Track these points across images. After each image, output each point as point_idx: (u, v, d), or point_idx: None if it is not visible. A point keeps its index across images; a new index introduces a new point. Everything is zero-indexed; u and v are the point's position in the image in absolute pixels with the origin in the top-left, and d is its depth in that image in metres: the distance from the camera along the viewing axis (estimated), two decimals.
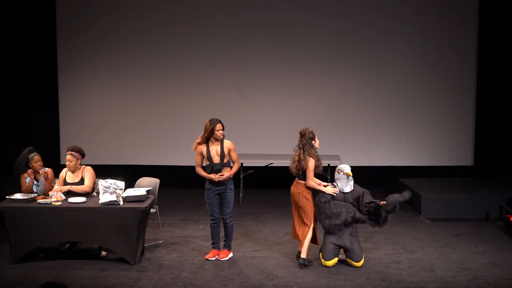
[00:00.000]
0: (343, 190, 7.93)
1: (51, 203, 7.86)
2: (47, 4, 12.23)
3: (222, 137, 7.90)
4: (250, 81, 12.31)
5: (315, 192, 7.87)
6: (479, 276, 7.53)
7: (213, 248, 8.19)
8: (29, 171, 8.25)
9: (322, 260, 7.86)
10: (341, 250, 7.93)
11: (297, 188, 7.91)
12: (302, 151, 7.91)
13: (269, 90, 12.28)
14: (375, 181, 11.85)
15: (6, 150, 12.26)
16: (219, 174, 7.90)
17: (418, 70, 12.26)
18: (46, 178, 8.28)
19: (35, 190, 8.29)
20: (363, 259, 7.84)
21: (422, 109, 12.31)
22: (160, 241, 8.84)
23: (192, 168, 8.11)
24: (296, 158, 7.91)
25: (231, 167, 7.99)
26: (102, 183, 7.88)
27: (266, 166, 11.40)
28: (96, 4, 12.27)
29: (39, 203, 7.90)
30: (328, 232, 7.91)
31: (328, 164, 11.06)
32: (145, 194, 8.02)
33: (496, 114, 12.17)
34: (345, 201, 7.87)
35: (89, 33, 12.28)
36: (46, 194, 8.18)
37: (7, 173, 10.29)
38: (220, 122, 7.90)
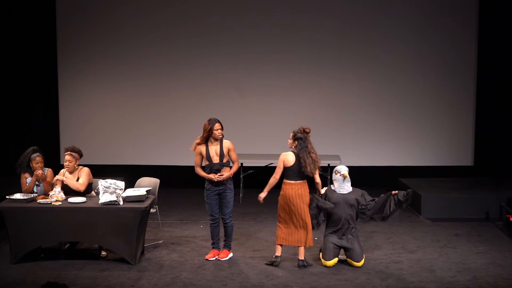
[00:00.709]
0: (339, 191, 7.90)
1: (51, 203, 7.86)
2: (47, 4, 12.24)
3: (221, 136, 7.90)
4: (250, 81, 12.31)
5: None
6: (479, 276, 7.54)
7: (213, 248, 8.19)
8: (34, 173, 8.24)
9: (322, 260, 7.86)
10: (341, 250, 7.93)
11: (305, 189, 7.82)
12: (313, 149, 7.80)
13: (269, 90, 12.28)
14: (375, 181, 11.87)
15: (6, 150, 12.26)
16: (219, 174, 7.90)
17: (418, 70, 12.26)
18: (44, 179, 8.27)
19: (35, 190, 8.29)
20: (363, 259, 7.84)
21: (422, 109, 12.31)
22: (160, 241, 8.84)
23: (192, 168, 8.11)
24: (314, 156, 7.78)
25: (230, 167, 7.99)
26: (102, 183, 7.88)
27: (266, 166, 11.39)
28: (96, 4, 12.27)
29: (39, 203, 7.90)
30: (328, 229, 7.90)
31: (328, 164, 11.06)
32: (145, 194, 8.02)
33: (496, 114, 12.18)
34: (344, 202, 7.85)
35: (89, 33, 12.28)
36: (46, 194, 8.17)
37: (7, 173, 10.30)
38: (219, 122, 7.90)
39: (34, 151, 8.32)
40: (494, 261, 8.08)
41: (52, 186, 8.24)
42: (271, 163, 11.36)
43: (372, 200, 7.85)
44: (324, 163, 11.20)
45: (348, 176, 7.93)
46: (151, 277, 7.46)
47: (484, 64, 12.14)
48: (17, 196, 8.02)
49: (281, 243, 7.88)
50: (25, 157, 8.31)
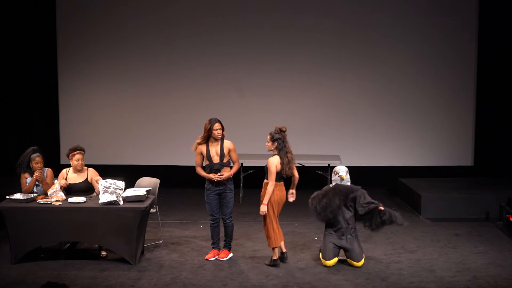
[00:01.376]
0: None
1: (51, 203, 7.86)
2: (47, 4, 12.24)
3: (220, 136, 7.89)
4: (250, 81, 12.32)
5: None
6: (479, 276, 7.53)
7: (213, 248, 8.19)
8: (34, 174, 8.25)
9: (322, 260, 7.86)
10: (341, 250, 7.93)
11: (283, 191, 7.86)
12: (289, 149, 7.81)
13: (269, 90, 12.28)
14: (375, 181, 11.88)
15: (6, 150, 12.26)
16: (219, 174, 7.90)
17: (418, 70, 12.26)
18: (42, 180, 8.27)
19: (35, 190, 8.29)
20: (363, 259, 7.84)
21: (422, 109, 12.31)
22: (160, 241, 8.84)
23: (192, 168, 8.11)
24: (290, 156, 7.77)
25: (231, 167, 7.99)
26: (102, 183, 7.88)
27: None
28: (96, 4, 12.28)
29: (39, 203, 7.90)
30: (328, 229, 7.90)
31: (328, 164, 11.06)
32: (145, 194, 8.02)
33: (496, 114, 12.18)
34: (342, 202, 7.83)
35: (89, 33, 12.29)
36: (45, 194, 8.17)
37: (7, 173, 10.30)
38: (219, 122, 7.90)
39: (34, 151, 8.32)
40: (494, 261, 8.08)
41: (53, 184, 8.25)
42: None
43: (372, 203, 7.78)
44: (324, 163, 11.26)
45: (346, 177, 7.89)
46: (151, 277, 7.46)
47: (484, 64, 12.14)
48: (17, 196, 8.03)
49: (278, 244, 7.87)
50: (25, 157, 8.31)
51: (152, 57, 12.29)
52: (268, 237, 7.82)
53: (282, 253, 8.00)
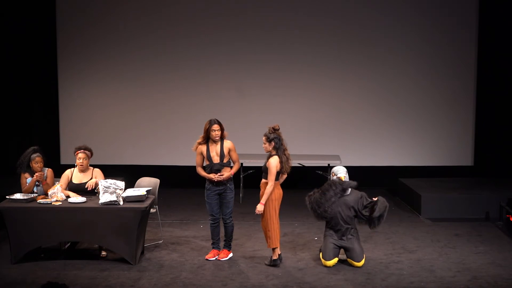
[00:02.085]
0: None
1: (51, 203, 7.86)
2: (47, 4, 12.24)
3: (217, 138, 7.86)
4: (250, 81, 12.31)
5: None
6: (479, 276, 7.53)
7: (213, 248, 8.19)
8: (35, 175, 8.24)
9: (322, 260, 7.86)
10: (341, 250, 7.93)
11: (280, 189, 7.87)
12: (286, 146, 7.82)
13: (269, 90, 12.28)
14: (375, 181, 11.88)
15: (6, 151, 12.25)
16: (219, 174, 7.90)
17: (418, 70, 12.26)
18: (42, 180, 8.27)
19: (35, 190, 8.29)
20: (363, 259, 7.84)
21: (422, 109, 12.31)
22: (160, 241, 8.84)
23: (192, 168, 8.11)
24: (287, 154, 7.78)
25: (231, 167, 7.99)
26: (102, 183, 7.88)
27: None
28: (96, 4, 12.27)
29: (39, 203, 7.90)
30: (328, 229, 7.90)
31: (328, 164, 11.05)
32: (145, 194, 8.02)
33: (496, 114, 12.18)
34: (343, 204, 7.82)
35: (89, 33, 12.29)
36: (45, 194, 8.17)
37: (7, 173, 10.30)
38: (218, 123, 7.87)
39: (34, 151, 8.32)
40: (494, 261, 8.08)
41: (53, 184, 8.25)
42: None
43: (369, 204, 7.79)
44: (324, 163, 11.26)
45: (345, 178, 7.88)
46: (151, 277, 7.46)
47: (484, 64, 12.14)
48: (17, 196, 8.02)
49: (278, 245, 7.87)
50: (25, 157, 8.31)
51: (152, 57, 12.29)
52: (268, 237, 7.81)
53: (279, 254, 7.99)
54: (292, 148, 8.05)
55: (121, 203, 7.85)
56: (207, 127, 7.86)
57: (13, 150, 11.53)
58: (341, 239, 7.85)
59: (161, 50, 12.27)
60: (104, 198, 7.82)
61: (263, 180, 7.80)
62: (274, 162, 7.69)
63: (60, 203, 7.89)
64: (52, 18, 12.26)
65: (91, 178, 8.24)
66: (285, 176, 7.87)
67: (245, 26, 12.23)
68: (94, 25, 12.28)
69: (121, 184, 7.95)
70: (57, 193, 7.98)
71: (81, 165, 8.24)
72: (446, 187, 11.05)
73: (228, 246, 8.20)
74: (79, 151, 8.26)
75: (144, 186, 8.59)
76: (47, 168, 8.40)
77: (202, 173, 7.99)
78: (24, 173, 8.32)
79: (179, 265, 7.89)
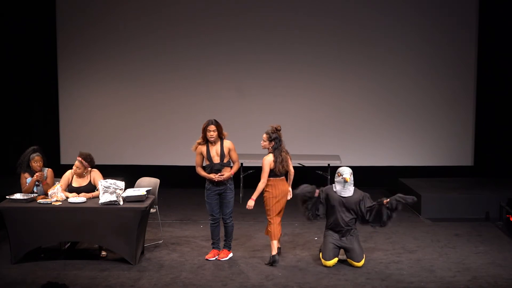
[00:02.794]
0: (340, 194, 7.86)
1: (51, 203, 7.86)
2: (47, 4, 12.23)
3: (212, 139, 7.84)
4: (250, 81, 12.31)
5: None
6: (479, 276, 7.53)
7: (213, 248, 8.19)
8: (35, 175, 8.24)
9: (322, 260, 7.86)
10: (341, 250, 7.93)
11: (286, 185, 7.94)
12: (284, 148, 7.89)
13: (269, 90, 12.28)
14: (375, 181, 11.88)
15: (6, 151, 12.25)
16: (219, 174, 7.90)
17: (418, 70, 12.26)
18: (42, 180, 8.27)
19: (35, 190, 8.29)
20: (363, 259, 7.84)
21: (422, 109, 12.31)
22: (160, 241, 8.84)
23: (192, 168, 8.11)
24: (284, 155, 7.83)
25: (231, 167, 7.98)
26: (102, 183, 7.88)
27: None
28: (96, 4, 12.27)
29: (39, 203, 7.90)
30: (328, 229, 7.90)
31: (328, 164, 11.06)
32: (145, 194, 8.02)
33: (496, 114, 12.18)
34: (343, 205, 7.82)
35: (89, 33, 12.28)
36: (45, 194, 8.17)
37: (7, 173, 10.29)
38: (215, 124, 7.85)
39: (34, 151, 8.32)
40: (494, 261, 8.08)
41: (53, 184, 8.25)
42: None
43: (371, 206, 7.78)
44: (324, 163, 11.26)
45: (350, 179, 7.85)
46: (151, 277, 7.46)
47: (484, 64, 12.14)
48: (17, 196, 8.03)
49: (276, 238, 7.91)
50: (25, 157, 8.31)
51: (152, 57, 12.29)
52: (268, 230, 7.95)
53: (279, 248, 8.10)
54: (292, 148, 8.07)
55: (121, 203, 7.85)
56: (204, 126, 7.87)
57: (13, 150, 11.51)
58: (341, 239, 7.85)
59: (161, 50, 12.27)
60: (104, 198, 7.82)
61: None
62: (268, 160, 7.79)
63: (60, 203, 7.89)
64: (52, 18, 12.26)
65: (90, 181, 8.23)
66: (292, 173, 7.97)
67: (245, 26, 12.23)
68: (94, 25, 12.28)
69: (121, 184, 7.95)
70: (57, 193, 7.98)
71: (74, 171, 8.23)
72: (446, 187, 11.05)
73: (228, 246, 8.20)
74: (78, 157, 8.23)
75: (144, 186, 8.59)
76: (47, 168, 8.40)
77: (202, 173, 7.99)
78: (24, 173, 8.32)
79: (179, 265, 7.90)
